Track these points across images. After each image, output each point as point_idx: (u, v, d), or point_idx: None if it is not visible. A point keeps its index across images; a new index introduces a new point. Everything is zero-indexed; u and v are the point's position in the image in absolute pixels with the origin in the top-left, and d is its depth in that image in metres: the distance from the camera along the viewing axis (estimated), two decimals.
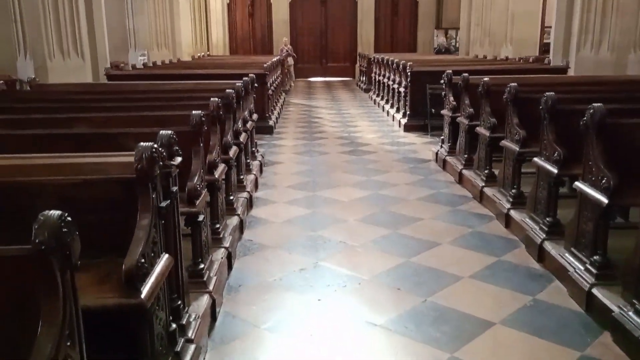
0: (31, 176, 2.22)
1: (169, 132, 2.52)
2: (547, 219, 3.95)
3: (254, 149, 6.62)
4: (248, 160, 5.92)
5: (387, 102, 11.45)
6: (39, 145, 2.93)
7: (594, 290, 3.11)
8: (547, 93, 4.02)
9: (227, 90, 4.67)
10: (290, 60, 17.73)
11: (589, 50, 8.56)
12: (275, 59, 12.80)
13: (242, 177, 5.30)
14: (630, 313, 2.74)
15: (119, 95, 5.12)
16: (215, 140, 3.86)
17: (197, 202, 3.09)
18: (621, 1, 8.10)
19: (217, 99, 4.01)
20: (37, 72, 7.78)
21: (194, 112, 3.31)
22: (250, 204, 5.15)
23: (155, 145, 2.20)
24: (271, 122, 9.50)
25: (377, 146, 8.16)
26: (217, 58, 16.01)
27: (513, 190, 4.67)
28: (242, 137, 5.17)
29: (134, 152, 2.16)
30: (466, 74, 6.18)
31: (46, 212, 1.40)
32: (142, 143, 2.16)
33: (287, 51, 17.41)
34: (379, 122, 10.45)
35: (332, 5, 19.58)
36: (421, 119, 9.02)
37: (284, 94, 14.54)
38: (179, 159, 2.55)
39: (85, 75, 8.43)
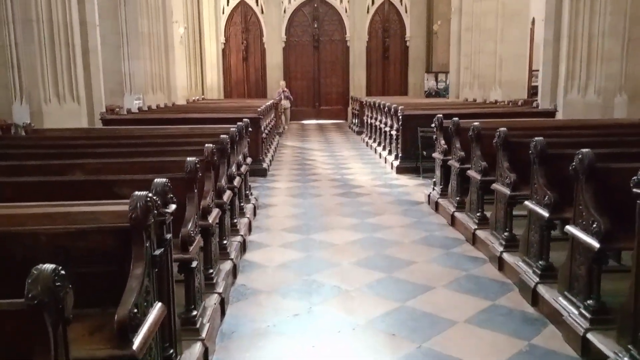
0: (25, 226, 2.23)
1: (164, 180, 2.55)
2: (540, 262, 3.96)
3: (247, 192, 6.65)
4: (242, 204, 5.94)
5: (379, 144, 11.58)
6: (33, 193, 2.93)
7: (589, 335, 3.10)
8: (536, 138, 4.10)
9: (221, 136, 4.73)
10: (287, 104, 17.98)
11: (576, 93, 8.75)
12: (269, 103, 12.98)
13: (235, 220, 5.31)
14: (626, 359, 2.72)
15: (114, 141, 5.16)
16: (209, 185, 3.89)
17: (191, 248, 3.08)
18: (605, 48, 8.33)
19: (211, 145, 4.06)
20: (32, 116, 7.86)
21: (188, 158, 3.34)
22: (243, 247, 5.14)
23: (150, 194, 2.22)
24: (265, 165, 9.57)
25: (370, 188, 8.20)
26: (212, 102, 16.22)
27: (505, 234, 4.69)
28: (236, 181, 5.20)
29: (128, 201, 2.17)
30: (456, 118, 6.29)
31: (40, 266, 1.41)
32: (136, 192, 2.18)
33: (284, 94, 17.68)
34: (371, 164, 10.53)
35: (325, 50, 20.00)
36: (413, 161, 9.11)
37: (277, 136, 14.67)
38: (173, 207, 2.56)
39: (80, 119, 8.51)
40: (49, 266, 1.41)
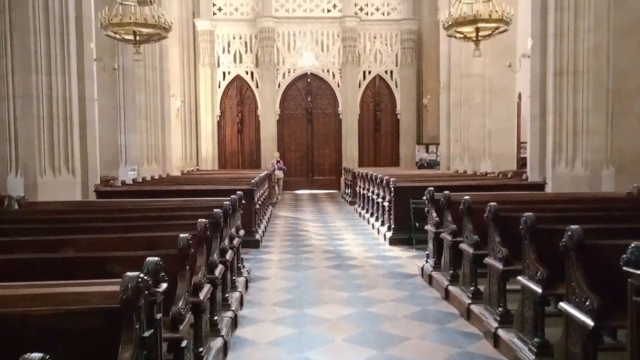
0: (14, 307, 2.20)
1: (156, 259, 2.55)
2: (535, 339, 3.91)
3: (240, 264, 6.60)
4: (234, 277, 5.88)
5: (372, 215, 11.63)
6: (25, 271, 2.92)
7: None
8: (526, 213, 4.15)
9: (215, 210, 4.76)
10: (280, 174, 18.18)
11: (564, 166, 8.93)
12: (262, 174, 13.12)
13: (227, 295, 5.24)
14: None
15: (108, 215, 5.17)
16: (201, 260, 3.88)
17: (181, 327, 3.04)
18: (590, 122, 8.59)
19: (204, 220, 4.08)
20: (27, 188, 7.89)
21: (181, 235, 3.35)
22: (235, 323, 5.04)
23: (141, 275, 2.22)
24: (258, 236, 9.55)
25: (363, 260, 8.17)
26: (206, 172, 16.37)
27: (500, 309, 4.65)
28: (229, 255, 5.18)
29: (119, 280, 2.17)
30: (447, 192, 6.38)
31: (27, 355, 1.39)
32: (128, 273, 2.18)
33: (277, 165, 17.91)
34: (364, 235, 10.53)
35: (318, 122, 20.46)
36: (406, 232, 9.13)
37: (271, 206, 14.72)
38: (164, 286, 2.55)
39: (75, 190, 8.55)
40: (37, 355, 1.39)
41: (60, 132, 8.38)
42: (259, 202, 10.70)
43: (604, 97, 8.58)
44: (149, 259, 2.54)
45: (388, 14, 19.83)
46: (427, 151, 19.27)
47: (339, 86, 20.01)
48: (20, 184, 8.07)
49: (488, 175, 11.58)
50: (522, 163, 15.22)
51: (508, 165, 14.15)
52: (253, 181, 10.08)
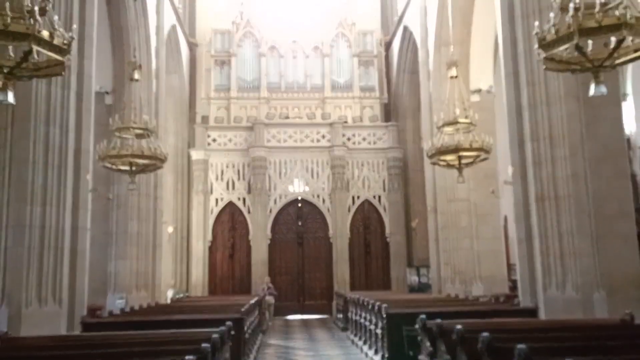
0: None
1: None
2: None
3: None
4: None
5: (364, 342, 11.31)
6: None
7: None
8: (519, 345, 4.13)
9: (203, 345, 4.67)
10: (271, 299, 17.86)
11: (555, 290, 8.93)
12: (253, 301, 12.91)
13: None
14: None
15: (92, 351, 5.04)
16: None
17: None
18: (576, 245, 8.75)
19: (192, 357, 4.00)
20: (10, 320, 7.71)
21: None
22: None
23: None
24: None
25: None
26: (196, 300, 16.06)
27: None
28: None
29: None
30: (439, 320, 6.31)
31: None
32: None
33: (268, 291, 17.66)
34: None
35: (309, 246, 20.54)
36: None
37: (261, 334, 14.29)
38: None
39: (60, 322, 8.35)
40: None
41: (50, 262, 8.37)
42: (249, 330, 10.43)
43: (586, 220, 8.81)
44: None
45: (374, 142, 20.77)
46: (418, 274, 19.19)
47: (329, 211, 20.38)
48: (4, 316, 7.89)
49: (480, 299, 11.48)
50: (514, 285, 15.17)
51: (500, 287, 14.08)
52: (243, 309, 9.90)
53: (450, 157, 11.33)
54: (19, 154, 8.32)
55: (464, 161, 11.19)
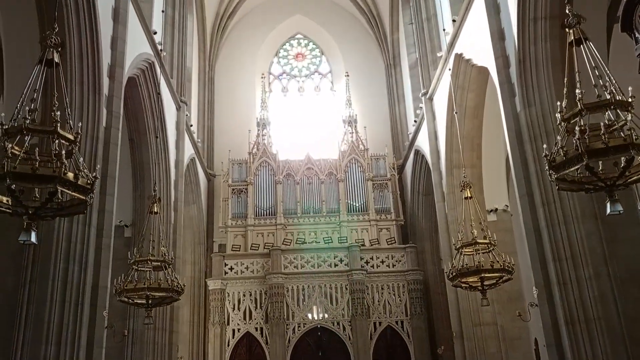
0: None
1: None
2: None
3: None
4: None
5: None
6: None
7: None
8: None
9: None
10: None
11: None
12: None
13: None
14: None
15: None
16: None
17: None
18: None
19: None
20: None
21: None
22: None
23: None
24: None
25: None
26: None
27: None
28: None
29: None
30: None
31: None
32: None
33: None
34: None
35: None
36: None
37: None
38: None
39: None
40: None
41: None
42: None
43: (621, 344, 8.36)
44: None
45: (393, 265, 20.46)
46: None
47: (350, 339, 19.61)
48: None
49: None
50: None
51: None
52: None
53: (472, 279, 11.03)
54: (39, 293, 8.31)
55: (486, 283, 10.87)
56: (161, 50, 15.20)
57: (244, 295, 20.03)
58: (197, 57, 23.41)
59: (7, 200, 5.67)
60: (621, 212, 5.71)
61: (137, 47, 12.60)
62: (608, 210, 5.72)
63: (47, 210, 5.92)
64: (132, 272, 10.87)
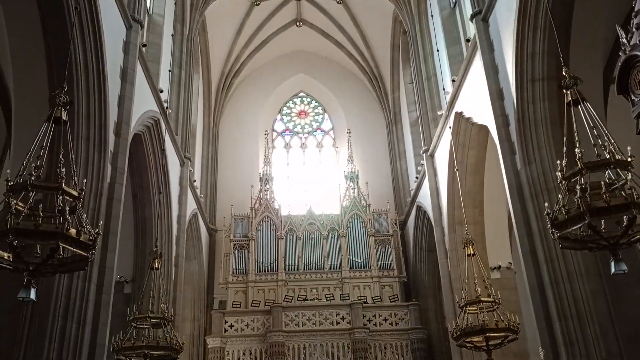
0: None
1: None
2: None
3: None
4: None
5: None
6: None
7: None
8: None
9: None
10: None
11: None
12: None
13: None
14: None
15: None
16: None
17: None
18: None
19: None
20: None
21: None
22: None
23: None
24: None
25: None
26: None
27: None
28: None
29: None
30: None
31: None
32: None
33: None
34: None
35: None
36: None
37: None
38: None
39: None
40: None
41: None
42: None
43: None
44: None
45: (396, 323, 20.03)
46: None
47: None
48: None
49: None
50: None
51: None
52: None
53: (477, 339, 10.78)
54: (35, 353, 8.13)
55: (491, 342, 10.62)
56: (167, 107, 15.51)
57: (244, 354, 19.54)
58: (202, 113, 23.85)
59: (9, 257, 5.64)
60: (625, 271, 5.66)
61: (143, 104, 12.86)
62: (613, 270, 5.66)
63: (48, 267, 5.89)
64: (130, 329, 10.69)
